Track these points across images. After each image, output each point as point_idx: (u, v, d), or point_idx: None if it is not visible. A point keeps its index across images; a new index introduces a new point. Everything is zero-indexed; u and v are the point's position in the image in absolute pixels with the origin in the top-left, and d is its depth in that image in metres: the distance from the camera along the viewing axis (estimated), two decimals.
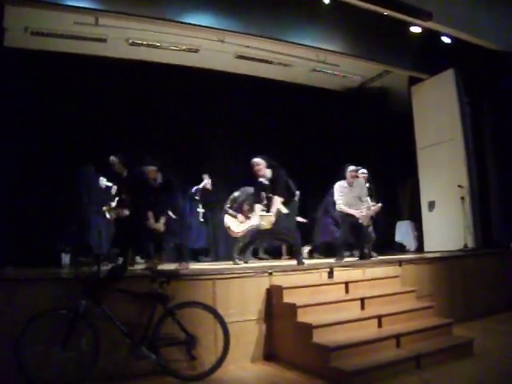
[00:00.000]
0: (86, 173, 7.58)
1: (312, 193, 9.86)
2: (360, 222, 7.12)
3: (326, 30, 8.20)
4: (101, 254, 6.46)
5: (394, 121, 10.97)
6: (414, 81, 10.09)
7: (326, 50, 8.49)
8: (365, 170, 8.06)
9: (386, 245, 9.95)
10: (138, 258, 7.19)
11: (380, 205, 7.86)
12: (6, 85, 6.81)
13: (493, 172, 8.94)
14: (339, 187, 7.23)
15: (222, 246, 10.04)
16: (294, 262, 6.47)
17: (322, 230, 8.97)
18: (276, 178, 6.30)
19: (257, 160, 6.33)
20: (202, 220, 9.52)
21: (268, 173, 6.33)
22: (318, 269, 5.74)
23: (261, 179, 6.38)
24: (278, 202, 6.22)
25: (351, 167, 7.28)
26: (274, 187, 6.27)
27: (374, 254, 7.94)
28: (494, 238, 8.72)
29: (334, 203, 7.39)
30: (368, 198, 7.55)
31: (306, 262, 6.47)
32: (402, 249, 10.48)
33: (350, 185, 7.24)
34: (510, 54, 8.40)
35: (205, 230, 9.58)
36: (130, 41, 8.35)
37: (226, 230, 8.26)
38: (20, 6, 6.67)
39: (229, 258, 8.39)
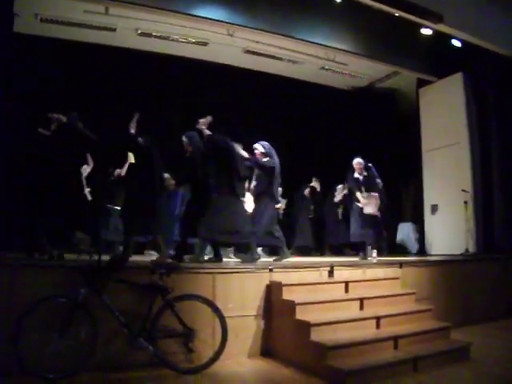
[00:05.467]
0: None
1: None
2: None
3: (336, 28, 8.21)
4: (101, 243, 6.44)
5: (400, 122, 10.97)
6: (422, 83, 10.07)
7: (336, 49, 8.48)
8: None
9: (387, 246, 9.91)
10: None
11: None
12: (14, 70, 6.79)
13: (497, 177, 8.90)
14: None
15: None
16: (297, 259, 6.42)
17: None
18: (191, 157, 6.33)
19: (183, 137, 6.37)
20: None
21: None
22: (318, 267, 5.74)
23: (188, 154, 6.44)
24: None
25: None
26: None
27: (374, 254, 7.93)
28: (496, 243, 8.69)
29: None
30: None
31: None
32: (403, 250, 10.47)
33: None
34: None
35: None
36: (140, 31, 8.34)
37: None
38: None
39: None
